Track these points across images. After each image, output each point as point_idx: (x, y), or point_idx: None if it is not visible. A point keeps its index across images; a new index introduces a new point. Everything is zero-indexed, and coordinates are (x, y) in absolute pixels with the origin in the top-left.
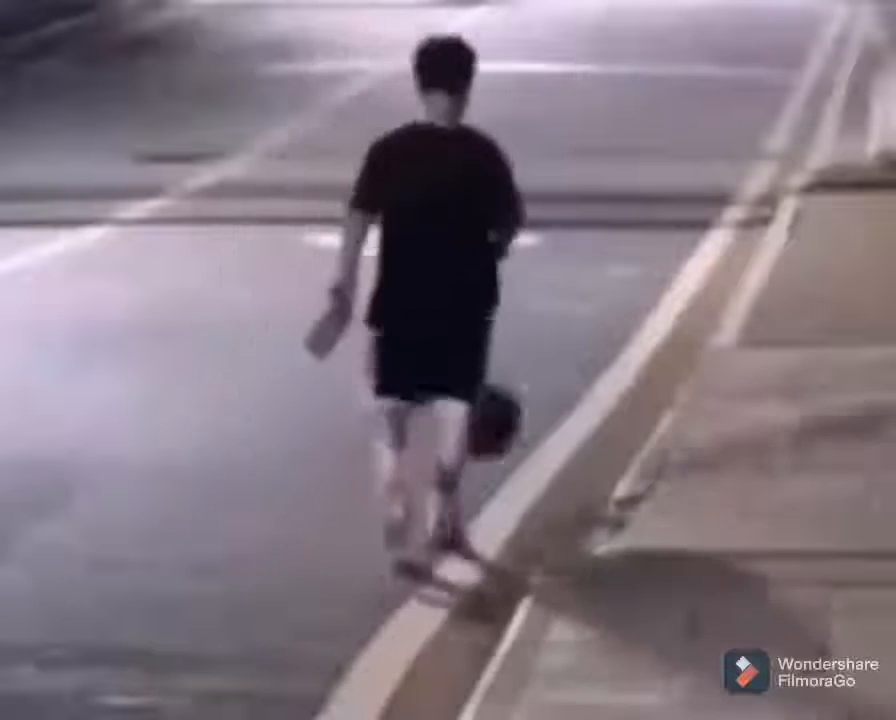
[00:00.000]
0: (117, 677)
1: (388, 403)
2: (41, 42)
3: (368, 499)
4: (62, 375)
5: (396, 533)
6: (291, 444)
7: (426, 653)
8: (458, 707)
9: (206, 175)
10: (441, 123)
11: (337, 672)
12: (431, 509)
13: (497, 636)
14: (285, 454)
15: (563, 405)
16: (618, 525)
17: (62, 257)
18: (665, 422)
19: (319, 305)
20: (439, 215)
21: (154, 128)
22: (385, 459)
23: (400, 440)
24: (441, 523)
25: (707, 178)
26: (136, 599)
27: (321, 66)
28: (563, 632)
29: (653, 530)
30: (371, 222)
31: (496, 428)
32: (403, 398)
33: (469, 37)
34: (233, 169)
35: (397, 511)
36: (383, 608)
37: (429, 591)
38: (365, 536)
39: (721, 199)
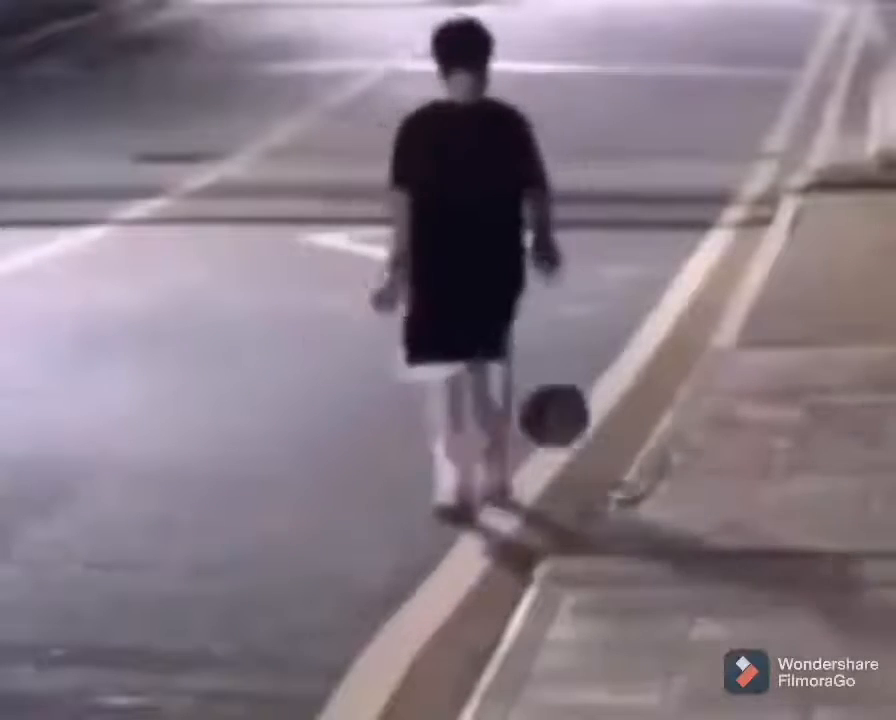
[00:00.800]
0: (117, 677)
1: (440, 372)
2: (41, 42)
3: (368, 499)
4: (62, 375)
5: (448, 517)
6: (292, 444)
7: (426, 653)
8: (458, 707)
9: (206, 175)
10: (463, 100)
11: (337, 672)
12: (482, 463)
13: (497, 636)
14: (286, 454)
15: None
16: (619, 525)
17: (62, 257)
18: (665, 422)
19: (319, 305)
20: (465, 187)
21: (154, 128)
22: (442, 433)
23: (457, 414)
24: (491, 476)
25: (707, 178)
26: (136, 599)
27: (321, 66)
28: (563, 632)
29: (654, 530)
30: (407, 197)
31: (569, 417)
32: (439, 362)
33: None
34: (233, 169)
35: (452, 497)
36: (383, 608)
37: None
38: (365, 536)
39: (721, 199)
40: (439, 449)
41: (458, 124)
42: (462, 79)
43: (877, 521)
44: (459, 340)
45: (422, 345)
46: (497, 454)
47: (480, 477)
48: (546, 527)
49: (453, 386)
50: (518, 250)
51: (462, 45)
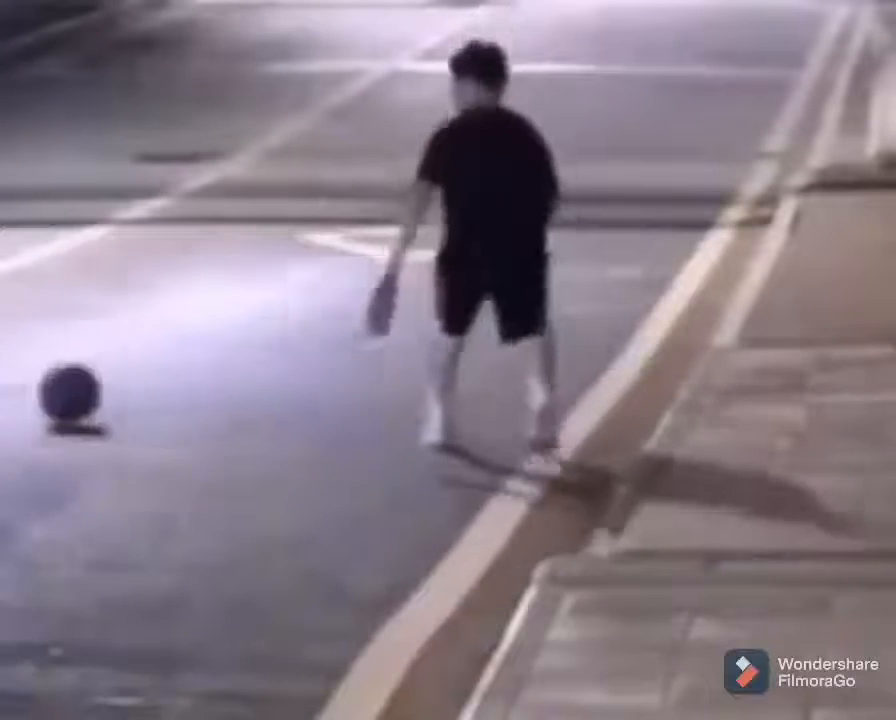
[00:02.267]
0: (117, 677)
1: (452, 342)
2: (41, 42)
3: (368, 499)
4: None
5: (442, 449)
6: (292, 444)
7: (426, 653)
8: (458, 707)
9: (206, 175)
10: (484, 107)
11: (337, 672)
12: (535, 421)
13: (497, 636)
14: (286, 454)
15: (562, 405)
16: (619, 525)
17: (62, 257)
18: (665, 422)
19: (318, 304)
20: (494, 181)
21: (154, 128)
22: (437, 396)
23: (452, 378)
24: (542, 432)
25: (707, 178)
26: (136, 599)
27: (321, 66)
28: (563, 632)
29: (653, 530)
30: (432, 192)
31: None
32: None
33: (471, 37)
34: (233, 169)
35: (443, 435)
36: (383, 609)
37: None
38: (365, 536)
39: (721, 199)
40: (433, 397)
41: (488, 128)
42: (482, 91)
43: (877, 521)
44: (499, 325)
45: (463, 319)
46: (548, 414)
47: (531, 432)
48: (547, 527)
49: (455, 352)
50: (543, 234)
51: (488, 63)
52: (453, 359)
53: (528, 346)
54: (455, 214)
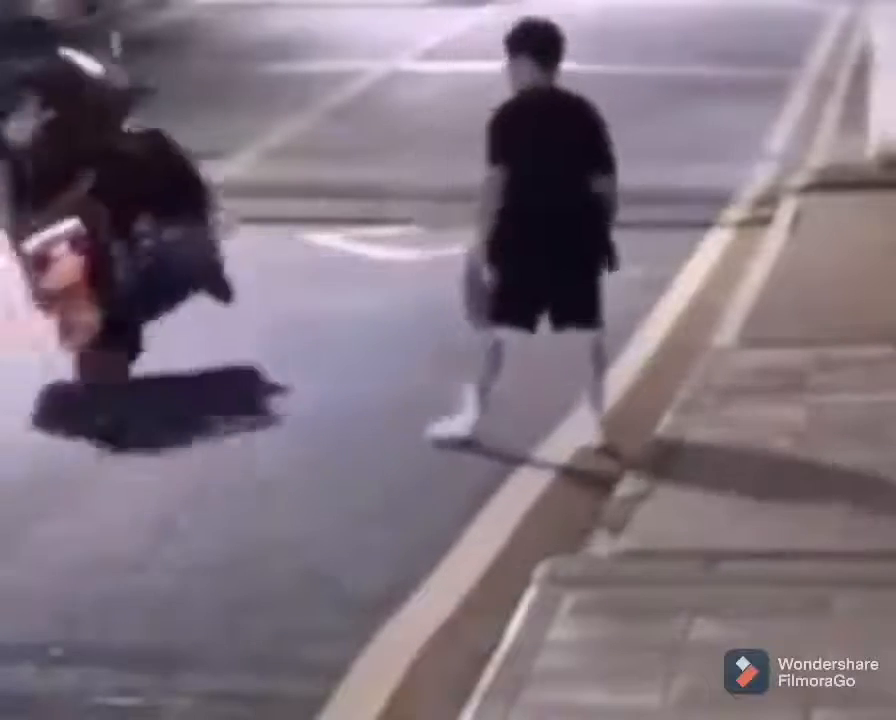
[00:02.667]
0: (117, 677)
1: (499, 334)
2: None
3: (368, 499)
4: (61, 374)
5: (466, 445)
6: (292, 444)
7: (426, 653)
8: (458, 707)
9: (206, 175)
10: (540, 87)
11: (337, 672)
12: (592, 415)
13: (497, 636)
14: (286, 454)
15: (562, 405)
16: (619, 525)
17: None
18: (665, 422)
19: (318, 304)
20: (549, 164)
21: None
22: (478, 392)
23: (496, 374)
24: (602, 429)
25: (707, 178)
26: (136, 599)
27: (321, 66)
28: (563, 632)
29: (653, 530)
30: (504, 176)
31: None
32: (520, 327)
33: (472, 37)
34: (233, 169)
35: (473, 431)
36: (383, 609)
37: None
38: (365, 536)
39: (721, 199)
40: (472, 390)
41: (543, 111)
42: (535, 71)
43: (877, 521)
44: (566, 308)
45: (511, 311)
46: (598, 405)
47: (595, 440)
48: (547, 527)
49: (500, 345)
50: (602, 225)
51: (543, 41)
52: (498, 351)
53: (578, 339)
54: (509, 198)
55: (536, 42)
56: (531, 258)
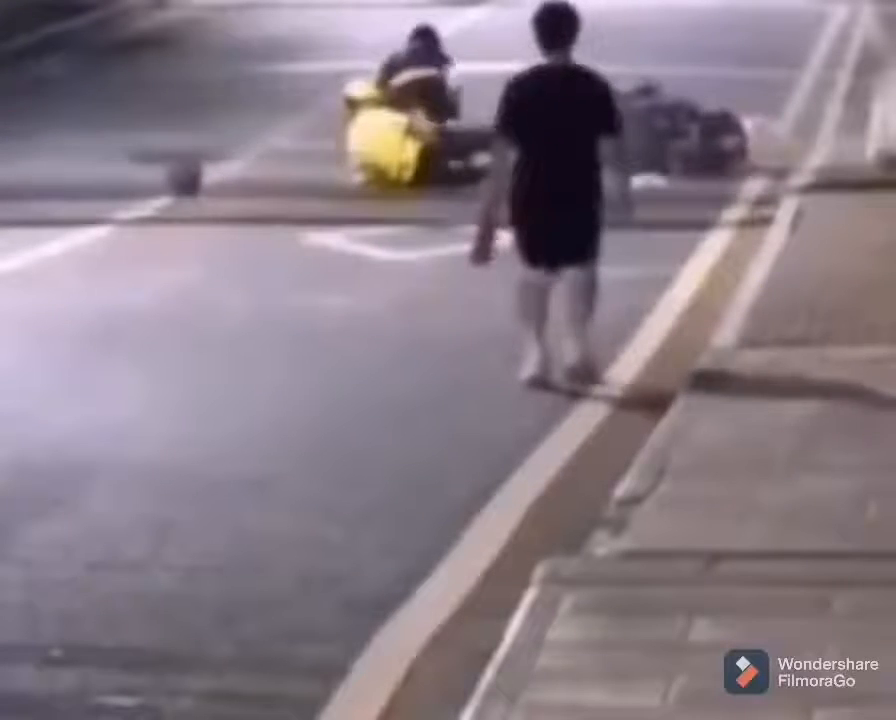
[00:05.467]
0: (117, 677)
1: (536, 276)
2: (41, 42)
3: (368, 499)
4: (61, 375)
5: (537, 383)
6: (291, 444)
7: (426, 653)
8: (458, 707)
9: (206, 175)
10: (555, 64)
11: (336, 672)
12: (570, 348)
13: (497, 636)
14: (285, 453)
15: (563, 405)
16: (619, 525)
17: (62, 257)
18: (665, 422)
19: (318, 304)
20: (558, 131)
21: (154, 128)
22: (531, 331)
23: (542, 312)
24: (578, 358)
25: (707, 178)
26: (136, 599)
27: (321, 66)
28: (563, 632)
29: (653, 530)
30: (511, 145)
31: None
32: (547, 268)
33: (470, 37)
34: (233, 169)
35: (539, 369)
36: (383, 609)
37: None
38: (365, 535)
39: (721, 199)
40: (530, 334)
41: (553, 82)
42: (548, 51)
43: (877, 521)
44: (560, 250)
45: (537, 252)
46: (582, 340)
47: (567, 359)
48: (547, 528)
49: (545, 289)
50: (598, 177)
51: (557, 26)
52: (542, 294)
53: (570, 277)
54: (522, 157)
55: (546, 26)
56: (543, 213)
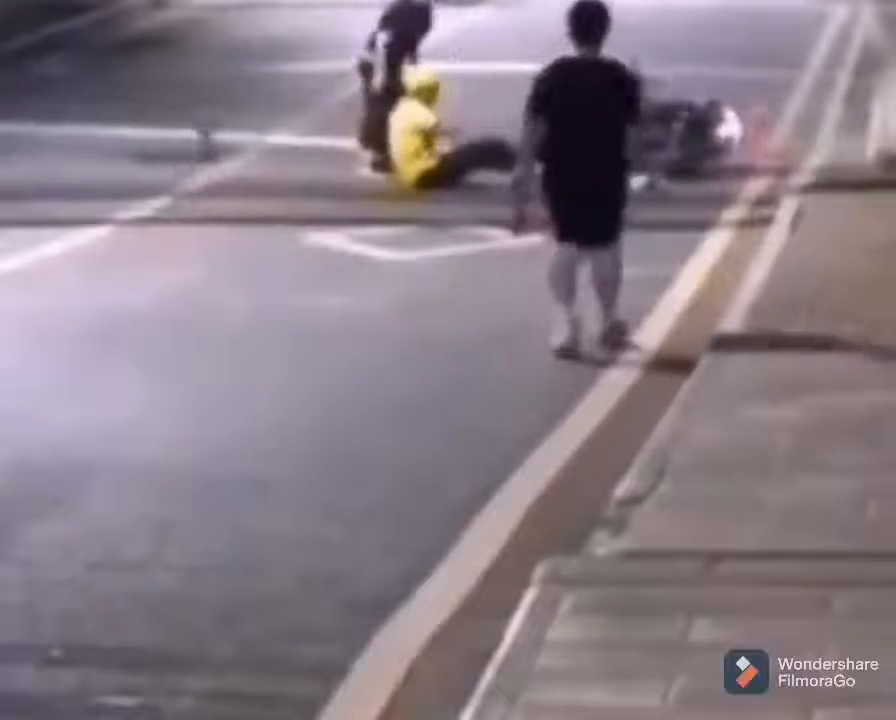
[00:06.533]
0: (117, 677)
1: (565, 250)
2: (42, 42)
3: (368, 499)
4: (61, 375)
5: (568, 353)
6: (290, 443)
7: (426, 653)
8: (458, 707)
9: (206, 175)
10: (585, 56)
11: (337, 672)
12: (599, 318)
13: (497, 636)
14: (285, 453)
15: (563, 406)
16: (619, 525)
17: (62, 257)
18: (665, 422)
19: (319, 304)
20: (584, 118)
21: (154, 128)
22: (561, 300)
23: (571, 285)
24: (607, 328)
25: (707, 178)
26: (136, 599)
27: (321, 66)
28: (563, 632)
29: (653, 530)
30: (541, 124)
31: None
32: (576, 242)
33: (471, 37)
34: (233, 169)
35: (569, 338)
36: (383, 608)
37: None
38: (365, 535)
39: (721, 199)
40: (559, 306)
41: (582, 71)
42: (578, 46)
43: (877, 521)
44: (585, 229)
45: (565, 229)
46: (608, 311)
47: (597, 327)
48: (547, 529)
49: (573, 262)
50: (621, 164)
51: (576, 23)
52: (570, 266)
53: (596, 255)
54: (551, 141)
55: (579, 21)
56: (570, 194)
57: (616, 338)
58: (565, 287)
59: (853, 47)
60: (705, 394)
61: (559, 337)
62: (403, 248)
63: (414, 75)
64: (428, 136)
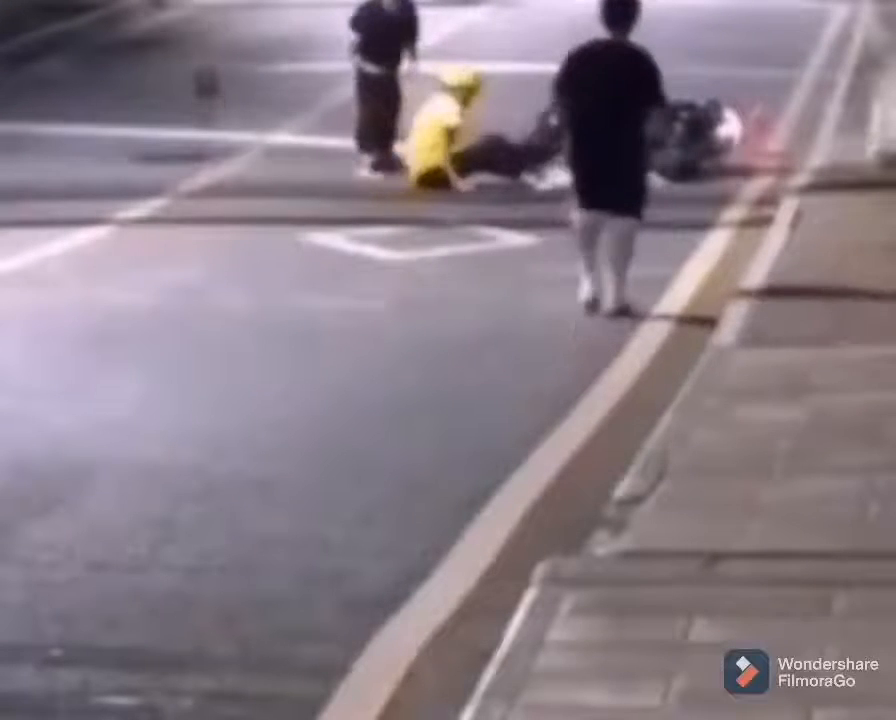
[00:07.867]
0: (117, 677)
1: (585, 216)
2: (42, 42)
3: (368, 499)
4: (61, 375)
5: (591, 308)
6: (290, 443)
7: (426, 653)
8: (458, 707)
9: (206, 175)
10: (610, 40)
11: (337, 672)
12: (609, 286)
13: (497, 636)
14: (285, 453)
15: (563, 406)
16: (618, 525)
17: (62, 257)
18: (665, 422)
19: (319, 304)
20: (607, 94)
21: (154, 128)
22: (583, 262)
23: (592, 251)
24: (616, 294)
25: (708, 178)
26: (136, 599)
27: (321, 66)
28: (563, 632)
29: (653, 530)
30: (566, 99)
31: None
32: (594, 209)
33: (470, 37)
34: (233, 169)
35: (592, 294)
36: (383, 608)
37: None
38: (365, 535)
39: (721, 199)
40: (583, 265)
41: (604, 53)
42: (607, 32)
43: (877, 521)
44: (600, 196)
45: (583, 195)
46: (618, 284)
47: (608, 295)
48: (547, 529)
49: (593, 227)
50: (637, 141)
51: (607, 10)
52: (591, 232)
53: (610, 224)
54: (573, 116)
55: (609, 7)
56: (587, 164)
57: (620, 314)
58: (587, 250)
59: (853, 47)
60: (705, 394)
61: (583, 293)
62: (403, 248)
63: (456, 72)
64: (449, 134)
